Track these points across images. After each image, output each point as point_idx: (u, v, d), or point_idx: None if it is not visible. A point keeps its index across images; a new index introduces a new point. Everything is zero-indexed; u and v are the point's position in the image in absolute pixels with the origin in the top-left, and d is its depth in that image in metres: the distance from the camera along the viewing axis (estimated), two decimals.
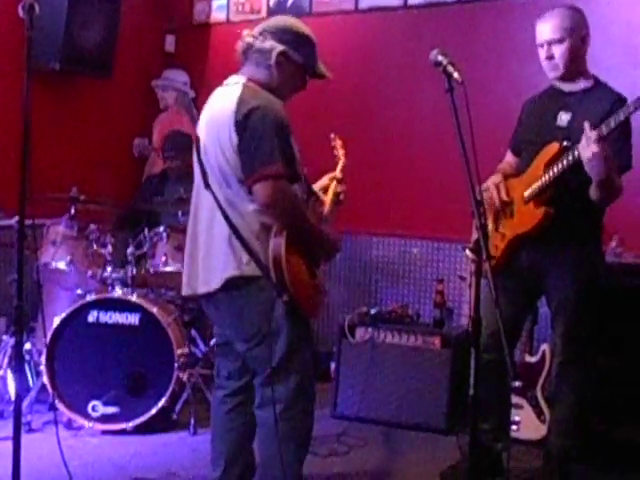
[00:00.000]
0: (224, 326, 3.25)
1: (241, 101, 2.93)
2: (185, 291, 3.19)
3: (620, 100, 3.54)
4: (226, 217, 2.97)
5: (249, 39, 3.08)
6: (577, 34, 3.59)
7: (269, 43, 3.04)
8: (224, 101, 3.02)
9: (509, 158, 3.89)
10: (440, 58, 2.67)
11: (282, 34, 3.06)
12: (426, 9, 5.24)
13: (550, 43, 3.59)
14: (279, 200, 2.95)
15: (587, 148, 3.22)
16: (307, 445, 3.18)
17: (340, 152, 3.64)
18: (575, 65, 3.63)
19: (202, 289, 3.07)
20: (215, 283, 3.00)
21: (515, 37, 4.98)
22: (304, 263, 3.07)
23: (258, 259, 2.95)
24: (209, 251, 3.03)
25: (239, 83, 3.05)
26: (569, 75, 3.63)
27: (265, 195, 2.90)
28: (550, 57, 3.60)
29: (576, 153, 3.33)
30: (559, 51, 3.58)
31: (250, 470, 3.29)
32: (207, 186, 3.04)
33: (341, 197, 3.46)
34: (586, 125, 3.24)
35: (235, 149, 2.92)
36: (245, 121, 2.90)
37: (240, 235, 2.96)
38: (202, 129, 3.12)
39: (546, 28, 3.60)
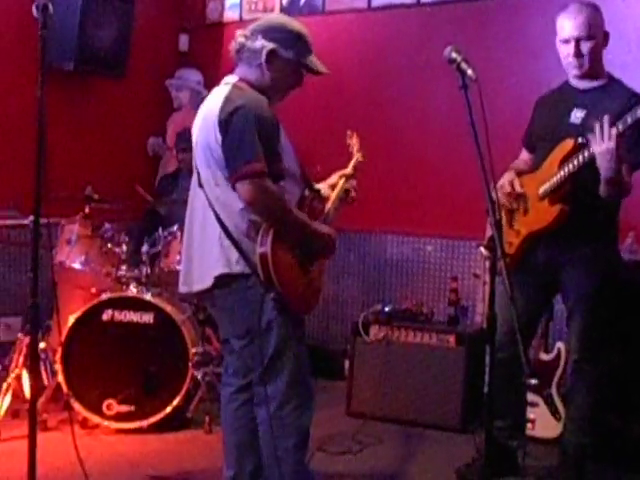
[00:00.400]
0: (221, 323, 3.31)
1: (227, 100, 2.96)
2: (182, 289, 3.23)
3: (635, 96, 3.54)
4: (217, 216, 3.00)
5: (241, 39, 3.09)
6: (601, 32, 3.58)
7: (260, 42, 3.04)
8: (214, 101, 3.05)
9: (524, 155, 3.88)
10: (454, 55, 2.66)
11: (272, 32, 3.06)
12: (438, 6, 5.22)
13: (579, 39, 3.55)
14: (260, 198, 2.95)
15: (602, 144, 3.21)
16: (304, 442, 3.14)
17: (355, 149, 3.62)
18: (598, 63, 3.61)
19: (197, 287, 3.11)
20: (208, 281, 3.03)
21: (528, 33, 4.96)
22: (295, 260, 3.05)
23: (247, 257, 2.96)
24: (203, 249, 3.07)
25: (229, 83, 3.09)
26: (590, 73, 3.60)
27: (247, 193, 2.92)
28: (578, 54, 3.56)
29: (592, 149, 3.31)
30: (587, 48, 3.55)
31: (262, 468, 3.28)
32: (200, 185, 3.08)
33: (352, 194, 3.43)
34: (605, 119, 3.22)
35: (220, 148, 2.95)
36: (228, 120, 2.92)
37: (230, 233, 2.97)
38: (196, 128, 3.14)
39: (574, 24, 3.55)
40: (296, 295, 3.06)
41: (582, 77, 3.63)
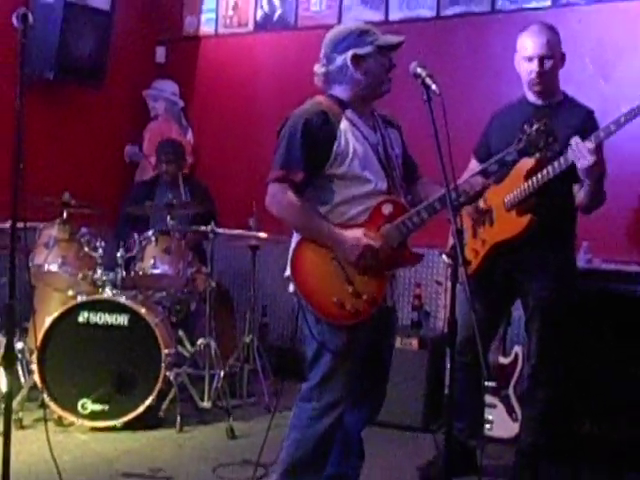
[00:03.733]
0: None
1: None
2: None
3: (589, 113, 3.63)
4: None
5: (322, 70, 3.03)
6: (558, 53, 3.65)
7: (339, 59, 2.97)
8: None
9: (473, 165, 3.87)
10: (419, 70, 2.67)
11: (341, 44, 2.99)
12: (406, 24, 5.26)
13: (542, 58, 3.61)
14: (270, 204, 2.96)
15: (584, 158, 3.30)
16: (301, 447, 3.02)
17: None
18: (554, 81, 3.67)
19: None
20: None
21: (489, 51, 5.01)
22: (329, 268, 2.93)
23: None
24: None
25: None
26: (548, 89, 3.66)
27: (266, 197, 2.96)
28: (541, 71, 3.62)
29: (561, 162, 3.37)
30: (548, 66, 3.62)
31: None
32: None
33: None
34: (576, 139, 3.32)
35: None
36: (278, 131, 3.00)
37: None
38: None
39: (538, 43, 3.63)
40: (325, 304, 2.93)
41: (540, 94, 3.67)
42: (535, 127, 3.02)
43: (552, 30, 3.69)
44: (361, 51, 2.95)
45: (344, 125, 2.95)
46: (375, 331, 3.03)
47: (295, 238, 3.03)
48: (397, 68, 2.99)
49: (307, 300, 2.96)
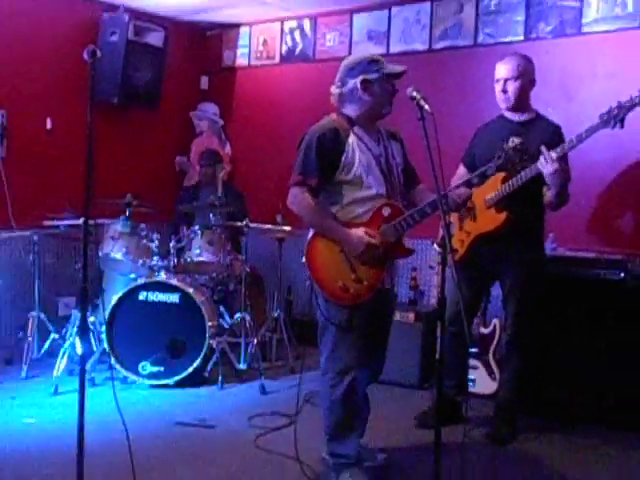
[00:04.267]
0: None
1: None
2: None
3: (558, 128, 3.62)
4: None
5: (336, 91, 3.00)
6: (526, 77, 3.63)
7: (351, 82, 2.95)
8: None
9: (461, 171, 3.85)
10: (414, 94, 2.66)
11: (353, 70, 2.96)
12: (405, 56, 5.22)
13: (506, 80, 3.61)
14: (290, 203, 2.97)
15: (549, 165, 3.31)
16: (333, 412, 3.02)
17: None
18: (522, 100, 3.65)
19: None
20: None
21: (471, 78, 4.97)
22: (338, 258, 2.92)
23: None
24: None
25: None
26: (517, 107, 3.65)
27: (287, 198, 2.96)
28: (504, 91, 3.62)
29: (532, 170, 3.37)
30: (512, 87, 3.62)
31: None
32: None
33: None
34: (543, 148, 3.33)
35: None
36: (298, 144, 3.00)
37: None
38: None
39: (504, 68, 3.64)
40: (332, 287, 2.93)
41: (510, 110, 3.67)
42: (512, 145, 3.01)
43: (523, 57, 3.67)
44: (369, 77, 2.93)
45: (351, 139, 2.94)
46: (376, 308, 3.02)
47: (310, 232, 3.03)
48: (398, 92, 2.97)
49: (318, 284, 2.97)
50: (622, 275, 3.90)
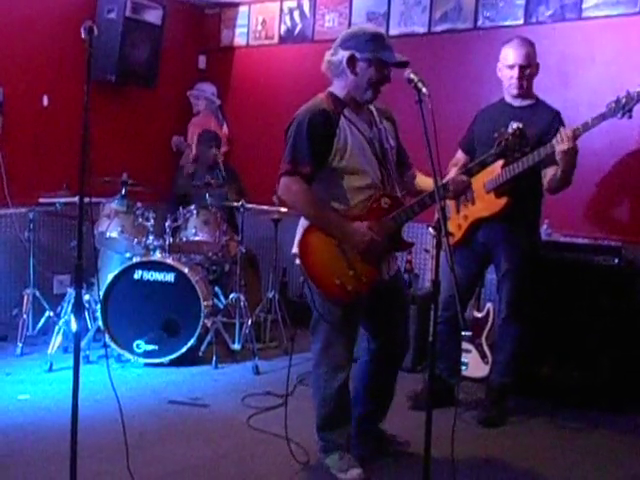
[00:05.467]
0: None
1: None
2: None
3: (557, 114, 3.61)
4: None
5: (327, 57, 2.84)
6: (535, 63, 3.63)
7: (340, 54, 2.78)
8: None
9: (459, 155, 3.85)
10: (412, 76, 2.63)
11: (348, 42, 2.78)
12: (402, 38, 5.20)
13: (522, 66, 3.58)
14: (282, 193, 2.82)
15: (564, 144, 3.24)
16: (325, 406, 2.99)
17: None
18: (529, 86, 3.63)
19: None
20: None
21: (471, 61, 4.95)
22: (334, 252, 2.81)
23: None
24: None
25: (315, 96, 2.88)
26: (524, 93, 3.63)
27: (278, 189, 2.83)
28: (520, 77, 3.58)
29: (535, 156, 3.34)
30: (526, 74, 3.59)
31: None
32: None
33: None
34: (562, 128, 3.29)
35: None
36: (286, 129, 2.85)
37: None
38: None
39: (519, 54, 3.59)
40: (329, 285, 2.82)
41: (517, 96, 3.64)
42: (511, 132, 2.93)
43: (530, 44, 3.65)
44: (359, 55, 2.76)
45: (342, 123, 2.80)
46: (377, 300, 2.95)
47: (303, 223, 2.89)
48: (395, 74, 2.81)
49: (314, 282, 2.85)
50: (616, 261, 3.92)
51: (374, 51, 2.76)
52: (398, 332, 3.12)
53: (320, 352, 2.96)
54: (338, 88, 2.87)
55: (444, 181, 2.86)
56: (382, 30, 2.91)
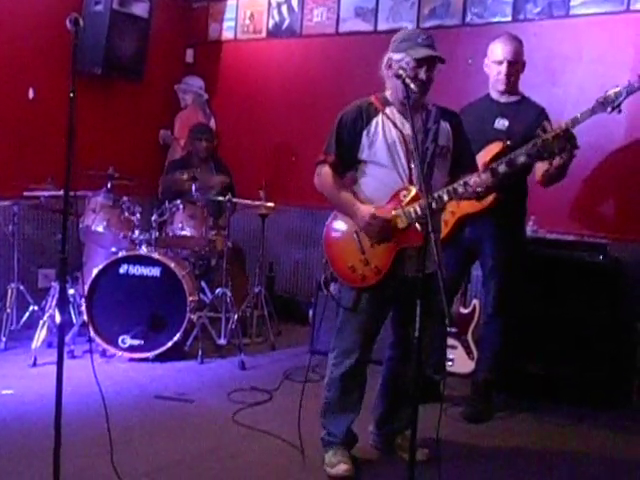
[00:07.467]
0: None
1: None
2: None
3: (542, 110, 3.61)
4: None
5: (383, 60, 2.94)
6: (522, 60, 3.63)
7: (384, 58, 2.90)
8: None
9: None
10: (400, 72, 2.63)
11: (392, 44, 2.90)
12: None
13: (510, 62, 3.58)
14: (315, 179, 3.02)
15: (552, 131, 3.17)
16: (328, 389, 3.09)
17: None
18: (516, 83, 3.64)
19: None
20: None
21: (459, 57, 4.95)
22: (352, 239, 2.93)
23: None
24: None
25: None
26: (510, 89, 3.63)
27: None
28: (508, 73, 3.59)
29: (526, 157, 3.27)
30: (514, 70, 3.60)
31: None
32: None
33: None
34: (546, 122, 3.14)
35: None
36: None
37: None
38: None
39: (507, 49, 3.59)
40: (341, 266, 2.99)
41: (504, 92, 3.64)
42: (553, 133, 2.81)
43: (518, 40, 3.65)
44: (394, 55, 2.85)
45: (379, 118, 2.90)
46: (407, 294, 2.87)
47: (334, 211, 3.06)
48: (431, 81, 2.85)
49: (330, 263, 3.03)
50: (601, 258, 3.94)
51: (404, 50, 2.83)
52: (414, 333, 2.76)
53: (335, 335, 3.09)
54: (388, 90, 2.97)
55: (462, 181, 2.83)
56: (420, 29, 3.01)
